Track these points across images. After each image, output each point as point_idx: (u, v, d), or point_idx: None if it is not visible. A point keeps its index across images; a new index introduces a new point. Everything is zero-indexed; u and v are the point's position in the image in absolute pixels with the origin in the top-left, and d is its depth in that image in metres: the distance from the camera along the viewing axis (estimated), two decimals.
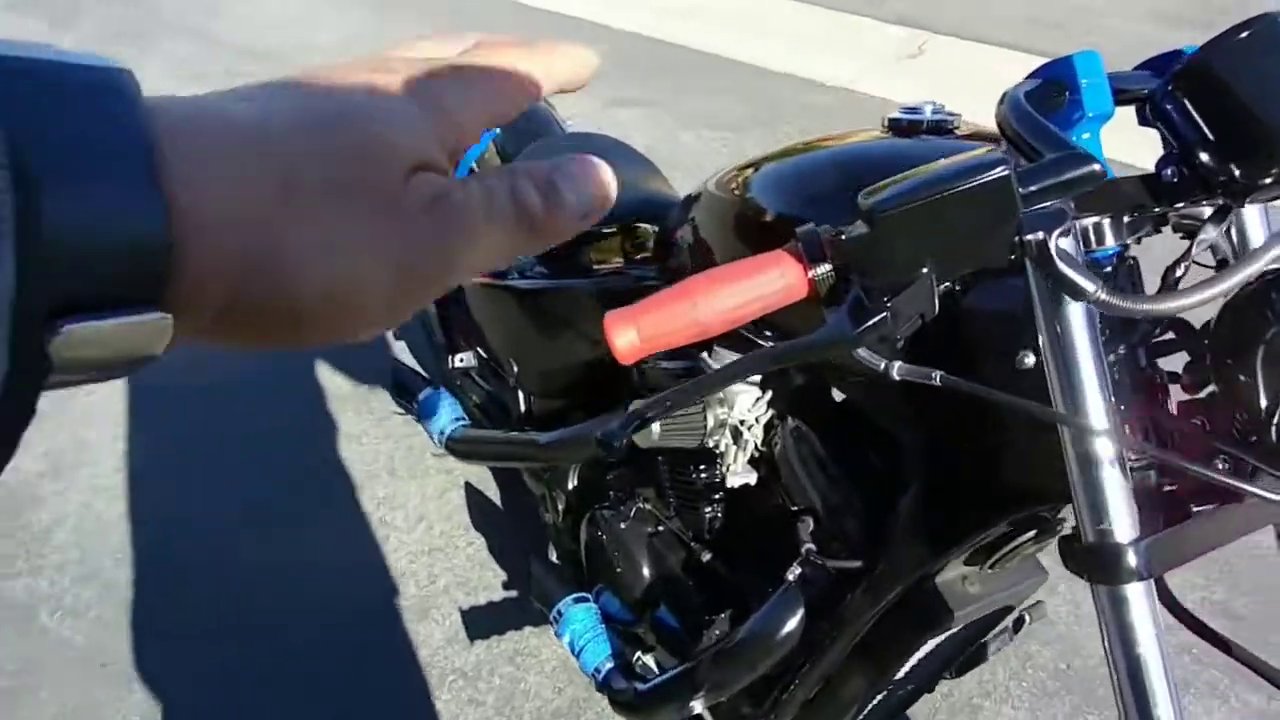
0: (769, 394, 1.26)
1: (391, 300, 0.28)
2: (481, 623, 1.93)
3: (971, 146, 0.91)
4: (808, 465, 1.20)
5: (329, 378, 2.56)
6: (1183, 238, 0.83)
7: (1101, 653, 0.76)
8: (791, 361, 0.70)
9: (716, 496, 1.40)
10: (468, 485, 2.25)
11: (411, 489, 2.25)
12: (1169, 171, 0.69)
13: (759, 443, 1.27)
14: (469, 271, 0.29)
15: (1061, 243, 0.64)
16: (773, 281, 0.70)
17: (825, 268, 0.69)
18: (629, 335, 0.71)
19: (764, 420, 1.27)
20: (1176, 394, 0.81)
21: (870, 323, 0.65)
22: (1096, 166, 0.61)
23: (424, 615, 1.94)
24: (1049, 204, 0.64)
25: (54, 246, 0.20)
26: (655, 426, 1.23)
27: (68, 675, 1.79)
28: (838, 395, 1.28)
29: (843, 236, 0.67)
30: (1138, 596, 0.78)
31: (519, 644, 1.89)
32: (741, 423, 1.26)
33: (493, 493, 2.23)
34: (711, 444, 1.29)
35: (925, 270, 0.65)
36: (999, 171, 0.60)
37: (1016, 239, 0.64)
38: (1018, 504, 0.93)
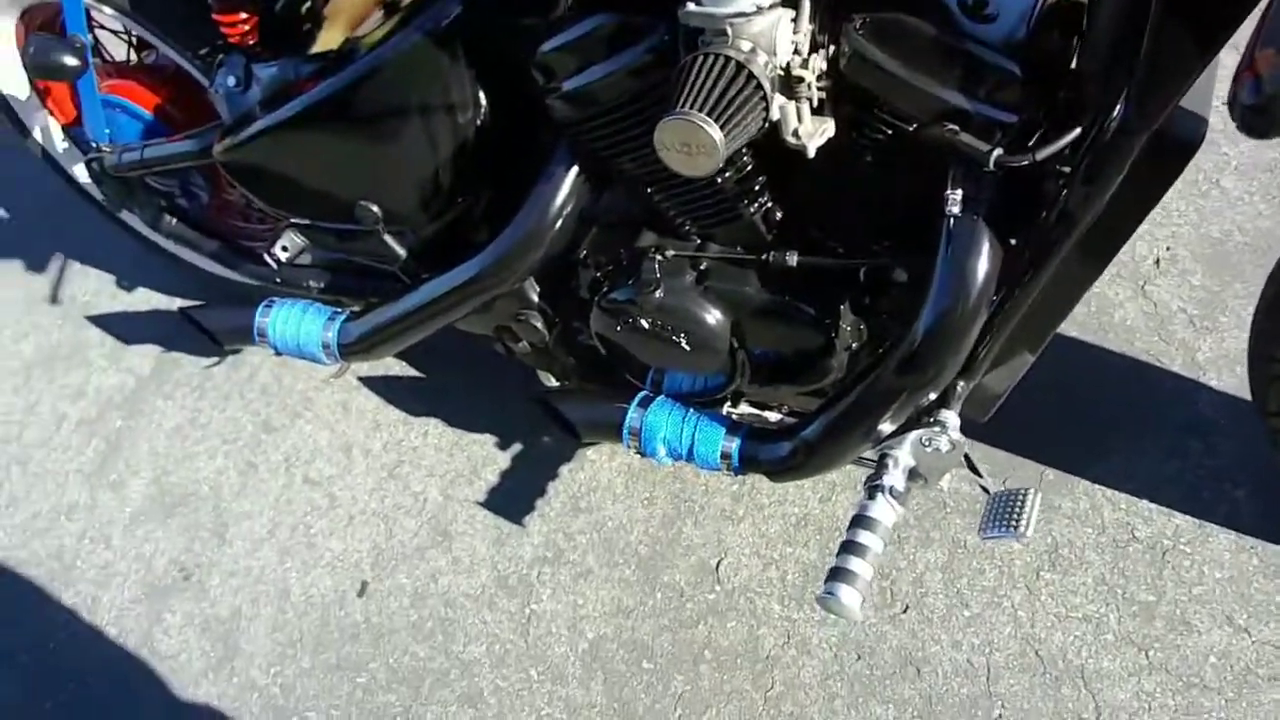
0: (804, 3, 0.87)
1: None
2: (512, 501, 1.57)
3: None
4: (918, 57, 0.85)
5: (107, 379, 1.90)
6: None
7: None
8: None
9: (757, 186, 1.05)
10: (361, 380, 1.77)
11: (306, 430, 1.75)
12: None
13: (820, 76, 0.90)
14: None
15: None
16: None
17: None
18: None
19: (807, 44, 0.89)
20: None
21: None
22: None
23: (445, 536, 1.56)
24: None
25: None
26: (717, 135, 0.83)
27: None
28: None
29: None
30: None
31: (569, 489, 1.56)
32: (788, 66, 0.88)
33: (390, 364, 1.77)
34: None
35: None
36: None
37: None
38: None
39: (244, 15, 1.24)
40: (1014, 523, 0.98)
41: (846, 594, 1.03)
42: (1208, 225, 1.56)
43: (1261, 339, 1.10)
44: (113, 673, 1.54)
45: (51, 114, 1.68)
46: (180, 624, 1.57)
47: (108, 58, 1.64)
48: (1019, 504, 0.99)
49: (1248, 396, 1.22)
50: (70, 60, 1.34)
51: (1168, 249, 1.55)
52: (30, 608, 1.64)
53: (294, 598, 1.55)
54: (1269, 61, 0.37)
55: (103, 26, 1.54)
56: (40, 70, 1.36)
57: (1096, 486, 1.37)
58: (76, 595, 1.64)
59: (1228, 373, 1.40)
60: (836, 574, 1.05)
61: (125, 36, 1.60)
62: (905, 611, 1.34)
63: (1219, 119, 1.68)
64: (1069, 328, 1.49)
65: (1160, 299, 1.50)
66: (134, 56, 1.63)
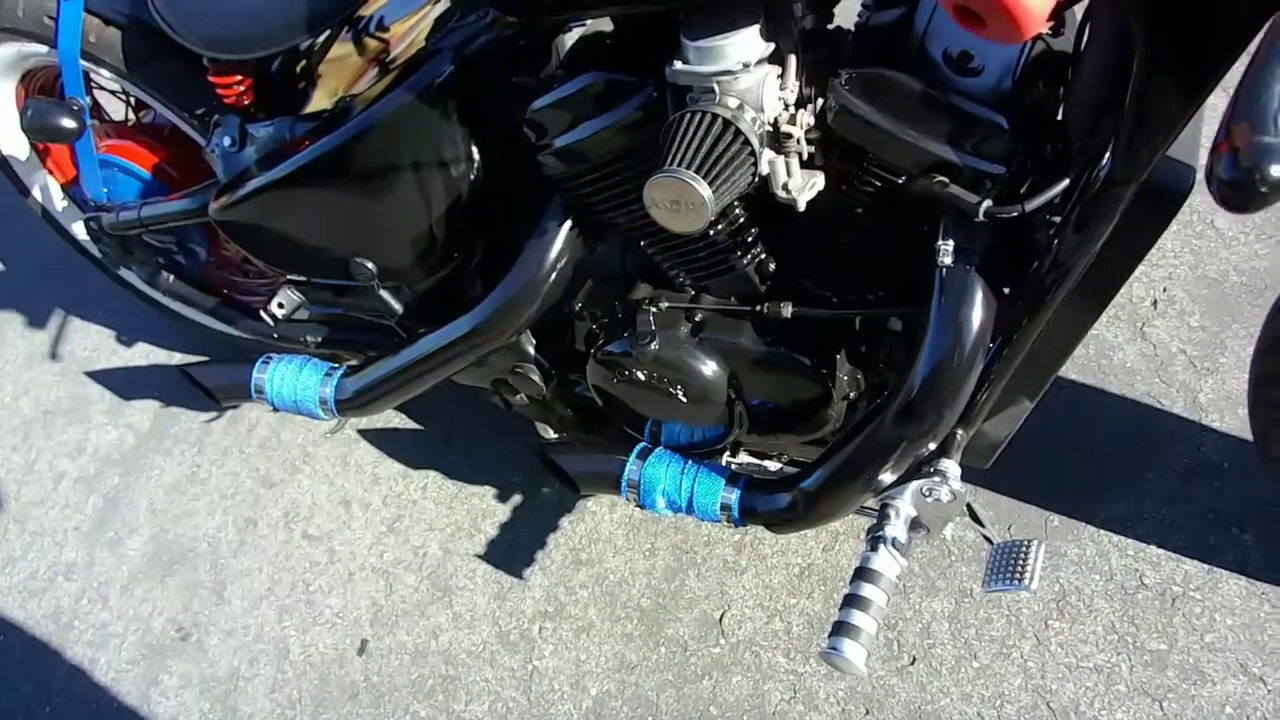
0: (790, 60, 0.88)
1: None
2: (513, 555, 1.55)
3: None
4: (905, 111, 0.85)
5: (105, 435, 1.90)
6: None
7: None
8: None
9: (750, 239, 1.05)
10: (360, 433, 1.77)
11: (305, 485, 1.73)
12: None
13: (808, 130, 0.90)
14: None
15: None
16: None
17: None
18: None
19: (794, 99, 0.90)
20: None
21: None
22: None
23: (446, 592, 1.54)
24: None
25: None
26: (705, 192, 0.83)
27: None
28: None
29: None
30: None
31: (569, 541, 1.54)
32: (775, 121, 0.88)
33: (389, 417, 1.77)
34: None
35: None
36: None
37: None
38: None
39: (239, 77, 1.25)
40: (1018, 575, 0.96)
41: (851, 649, 1.01)
42: (1204, 266, 1.56)
43: (1261, 383, 1.09)
44: None
45: (51, 173, 1.69)
46: (178, 685, 1.54)
47: (106, 118, 1.66)
48: (1023, 555, 0.98)
49: (1250, 438, 1.20)
50: (68, 123, 1.35)
51: (1165, 290, 1.54)
52: (27, 669, 1.62)
53: (293, 657, 1.53)
54: (1244, 136, 0.36)
55: (101, 87, 1.56)
56: (38, 133, 1.37)
57: (1103, 532, 1.35)
58: (74, 656, 1.62)
59: (1230, 414, 1.39)
60: (840, 629, 1.03)
61: (123, 97, 1.61)
62: (913, 663, 1.31)
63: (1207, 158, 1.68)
64: (1069, 371, 1.49)
65: (1159, 340, 1.50)
66: (132, 116, 1.65)
